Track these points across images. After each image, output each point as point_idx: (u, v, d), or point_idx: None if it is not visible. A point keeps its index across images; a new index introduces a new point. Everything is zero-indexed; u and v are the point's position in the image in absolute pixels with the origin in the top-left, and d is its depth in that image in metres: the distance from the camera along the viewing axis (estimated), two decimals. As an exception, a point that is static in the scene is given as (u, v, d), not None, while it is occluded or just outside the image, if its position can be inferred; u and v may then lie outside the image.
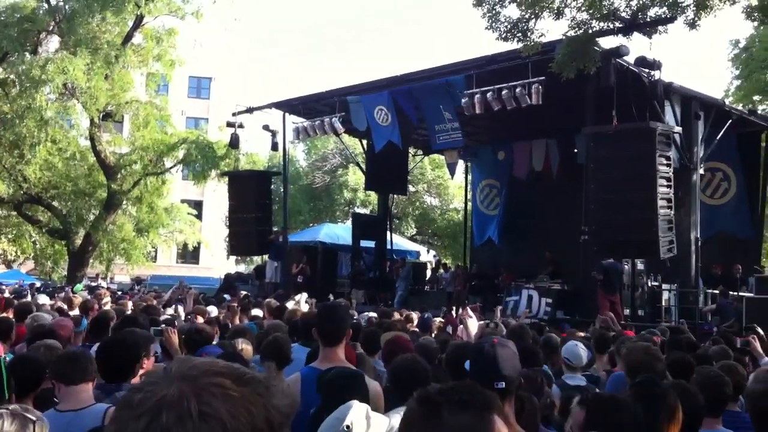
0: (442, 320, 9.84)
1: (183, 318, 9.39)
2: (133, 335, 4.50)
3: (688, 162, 15.12)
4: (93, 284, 23.65)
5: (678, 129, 14.37)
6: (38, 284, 26.25)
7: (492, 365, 3.05)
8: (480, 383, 2.91)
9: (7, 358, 4.93)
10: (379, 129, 17.95)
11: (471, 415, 1.57)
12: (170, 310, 10.57)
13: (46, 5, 25.91)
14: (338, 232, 27.69)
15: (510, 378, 3.05)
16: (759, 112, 21.08)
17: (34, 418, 2.74)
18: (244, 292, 16.67)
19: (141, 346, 4.41)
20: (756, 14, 11.57)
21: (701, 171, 15.85)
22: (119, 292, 18.20)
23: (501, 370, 3.03)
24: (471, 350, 3.52)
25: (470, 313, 8.10)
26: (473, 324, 7.22)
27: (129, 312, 8.87)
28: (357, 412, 2.83)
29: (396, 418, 2.32)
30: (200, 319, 8.48)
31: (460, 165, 25.45)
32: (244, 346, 5.42)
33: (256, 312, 10.14)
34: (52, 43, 27.01)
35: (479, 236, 24.38)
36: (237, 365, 1.17)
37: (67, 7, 25.29)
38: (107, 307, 9.89)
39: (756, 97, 25.80)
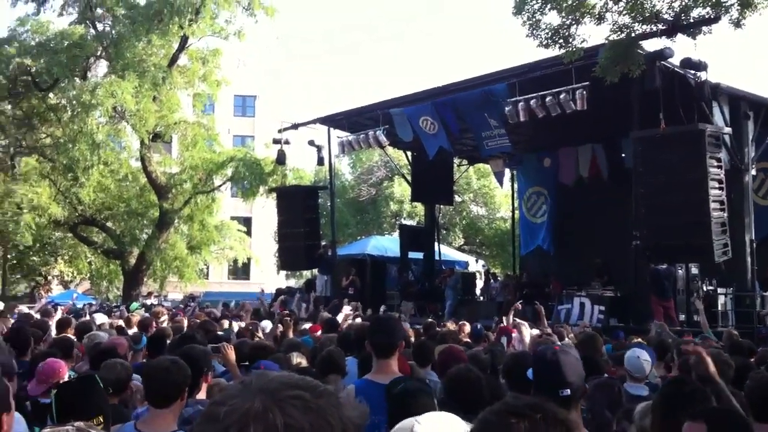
0: (487, 331, 9.79)
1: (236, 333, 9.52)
2: (194, 351, 4.58)
3: (740, 163, 14.83)
4: (148, 302, 24.08)
5: (727, 130, 14.13)
6: (94, 304, 26.81)
7: (556, 372, 2.99)
8: (544, 391, 2.91)
9: (71, 376, 5.09)
10: (428, 137, 18.01)
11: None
12: (225, 324, 10.72)
13: (93, 31, 26.58)
14: (386, 245, 27.74)
15: (575, 385, 2.99)
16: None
17: None
18: (285, 311, 16.73)
19: (203, 361, 4.50)
20: (803, 10, 11.35)
21: (753, 172, 15.54)
22: (173, 310, 18.49)
23: (565, 377, 2.97)
24: (533, 358, 3.49)
25: (519, 319, 8.07)
26: (527, 332, 7.20)
27: (186, 329, 9.04)
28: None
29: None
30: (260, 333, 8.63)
31: (507, 174, 25.35)
32: (299, 360, 5.49)
33: (307, 326, 10.24)
34: (101, 67, 27.71)
35: (526, 245, 24.19)
36: (310, 378, 1.22)
37: (113, 32, 25.93)
38: (164, 324, 10.07)
39: (807, 94, 25.20)
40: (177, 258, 28.50)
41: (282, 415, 1.11)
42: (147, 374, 4.00)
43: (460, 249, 37.05)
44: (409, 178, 25.44)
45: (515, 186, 25.74)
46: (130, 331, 8.89)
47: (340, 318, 10.92)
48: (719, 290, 15.41)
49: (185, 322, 10.82)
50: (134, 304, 19.40)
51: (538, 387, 3.06)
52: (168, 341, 6.94)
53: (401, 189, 36.79)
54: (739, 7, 11.06)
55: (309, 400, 1.14)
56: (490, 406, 1.70)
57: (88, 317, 12.50)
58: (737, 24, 11.19)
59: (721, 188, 13.14)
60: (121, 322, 10.78)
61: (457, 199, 34.25)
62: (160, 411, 3.71)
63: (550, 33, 12.55)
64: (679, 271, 15.23)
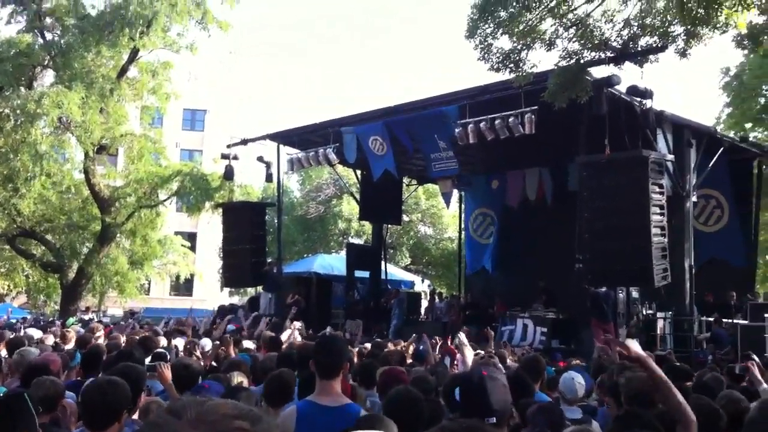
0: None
1: (181, 349, 9.32)
2: (131, 369, 4.45)
3: (681, 189, 15.16)
4: (86, 317, 23.51)
5: (670, 157, 14.43)
6: (30, 318, 26.10)
7: (481, 398, 2.98)
8: (470, 417, 2.89)
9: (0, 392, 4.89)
10: (376, 158, 18.05)
11: None
12: (163, 342, 10.48)
13: (41, 40, 26.06)
14: (332, 263, 27.64)
15: (500, 412, 2.99)
16: (750, 139, 21.20)
17: None
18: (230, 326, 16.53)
19: (142, 380, 4.36)
20: (746, 42, 11.69)
21: (694, 198, 15.90)
22: (112, 326, 18.05)
23: (491, 404, 2.96)
24: (460, 381, 3.48)
25: (464, 341, 8.05)
26: (470, 353, 7.18)
27: (123, 346, 8.82)
28: None
29: None
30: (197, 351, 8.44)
31: (455, 195, 25.52)
32: (240, 379, 5.38)
33: (248, 344, 10.07)
34: (48, 77, 27.12)
35: (472, 265, 24.37)
36: (241, 404, 1.18)
37: (62, 41, 25.43)
38: (100, 341, 9.82)
39: (747, 125, 25.94)
40: (118, 273, 27.93)
41: None
42: (83, 395, 3.83)
43: (406, 268, 37.10)
44: (357, 196, 25.44)
45: (463, 207, 25.93)
46: (66, 347, 8.64)
47: (284, 336, 10.76)
48: (658, 314, 15.69)
49: (122, 339, 10.56)
50: (71, 320, 18.93)
51: (465, 411, 3.04)
52: (104, 358, 6.75)
53: (350, 207, 36.74)
54: (685, 38, 11.32)
55: (249, 429, 1.11)
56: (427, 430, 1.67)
57: (22, 332, 12.13)
58: (683, 54, 11.46)
59: (662, 214, 13.39)
60: (56, 339, 10.46)
61: (405, 218, 34.35)
62: None
63: (501, 57, 12.67)
64: (620, 294, 15.45)
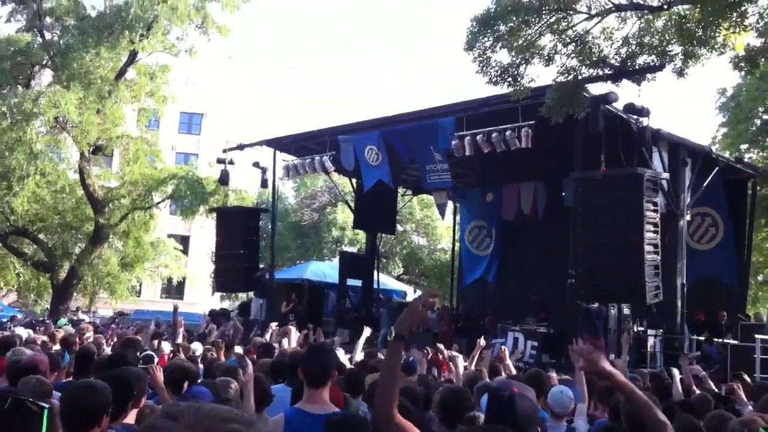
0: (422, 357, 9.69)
1: (168, 352, 9.29)
2: (128, 373, 4.42)
3: (675, 208, 15.22)
4: (75, 318, 23.44)
5: (665, 175, 14.50)
6: (20, 317, 26.00)
7: (509, 415, 2.93)
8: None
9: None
10: (369, 168, 18.05)
11: None
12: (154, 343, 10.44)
13: (40, 39, 26.10)
14: (325, 270, 27.62)
15: (525, 431, 2.93)
16: (745, 160, 21.28)
17: None
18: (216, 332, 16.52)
19: (136, 384, 4.33)
20: (743, 64, 11.76)
21: (688, 217, 15.95)
22: (101, 327, 17.99)
23: (518, 422, 2.91)
24: (489, 398, 3.42)
25: (453, 353, 8.05)
26: (462, 365, 7.19)
27: (109, 347, 8.78)
28: None
29: None
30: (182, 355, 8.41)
31: (449, 206, 25.56)
32: (232, 386, 5.36)
33: (239, 350, 10.03)
34: (45, 76, 27.15)
35: (468, 276, 24.37)
36: (235, 409, 1.20)
37: (61, 41, 25.48)
38: (90, 341, 9.78)
39: (743, 146, 26.04)
40: (109, 274, 27.84)
41: None
42: (63, 397, 3.74)
43: (399, 278, 37.11)
44: (352, 204, 25.47)
45: (457, 218, 25.96)
46: (55, 348, 8.61)
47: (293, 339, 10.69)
48: (649, 332, 15.69)
49: (103, 340, 10.52)
50: (62, 320, 18.87)
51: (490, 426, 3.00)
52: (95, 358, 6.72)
53: (344, 215, 36.78)
54: (683, 57, 11.40)
55: None
56: None
57: (9, 332, 12.08)
58: (680, 73, 11.54)
59: (656, 232, 13.44)
60: (44, 338, 10.43)
61: (399, 228, 34.37)
62: None
63: (499, 71, 12.73)
64: (612, 310, 15.47)
